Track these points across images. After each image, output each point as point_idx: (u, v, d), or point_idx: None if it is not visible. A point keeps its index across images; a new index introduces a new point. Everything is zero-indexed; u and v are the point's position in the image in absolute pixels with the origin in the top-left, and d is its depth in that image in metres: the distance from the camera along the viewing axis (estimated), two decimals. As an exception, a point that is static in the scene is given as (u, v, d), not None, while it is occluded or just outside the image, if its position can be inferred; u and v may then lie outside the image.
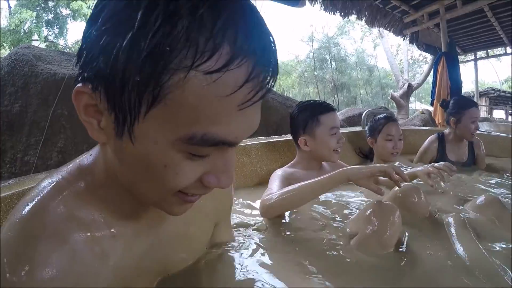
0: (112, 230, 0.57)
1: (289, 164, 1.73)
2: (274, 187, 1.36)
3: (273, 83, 0.44)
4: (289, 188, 1.22)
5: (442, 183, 1.51)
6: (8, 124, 2.62)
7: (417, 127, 3.86)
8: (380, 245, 0.99)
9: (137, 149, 0.45)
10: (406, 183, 1.27)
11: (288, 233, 1.11)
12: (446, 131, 2.46)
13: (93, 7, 0.45)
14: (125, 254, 0.59)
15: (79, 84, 0.45)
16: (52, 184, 0.55)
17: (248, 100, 0.41)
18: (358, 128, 2.95)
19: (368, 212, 1.04)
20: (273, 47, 0.44)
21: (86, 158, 0.59)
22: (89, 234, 0.54)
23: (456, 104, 2.39)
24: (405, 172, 1.63)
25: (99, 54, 0.41)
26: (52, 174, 0.58)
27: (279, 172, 1.57)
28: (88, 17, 0.45)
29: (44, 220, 0.51)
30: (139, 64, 0.38)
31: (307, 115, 1.64)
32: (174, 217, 0.63)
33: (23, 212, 0.51)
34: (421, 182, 1.55)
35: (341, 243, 1.04)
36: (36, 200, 0.53)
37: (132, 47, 0.38)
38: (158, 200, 0.53)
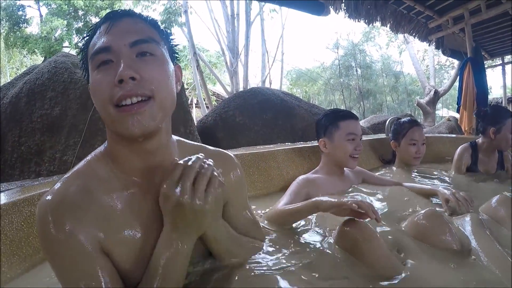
0: (125, 184, 0.82)
1: (314, 170, 1.81)
2: (284, 199, 1.48)
3: (116, 19, 0.80)
4: (279, 210, 1.31)
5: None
6: (48, 126, 2.79)
7: (442, 135, 3.82)
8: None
9: (90, 84, 0.79)
10: (429, 209, 1.23)
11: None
12: (479, 140, 2.37)
13: None
14: (133, 207, 0.81)
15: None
16: (88, 158, 0.87)
17: (105, 30, 0.79)
18: (382, 135, 2.97)
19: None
20: (114, 11, 0.83)
21: (107, 141, 0.88)
22: (107, 186, 0.81)
23: (496, 113, 2.30)
24: (424, 188, 1.67)
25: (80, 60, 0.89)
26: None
27: (299, 181, 1.65)
28: None
29: (76, 176, 0.80)
30: (82, 52, 0.86)
31: (329, 120, 1.75)
32: None
33: (67, 175, 0.82)
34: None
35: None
36: (76, 168, 0.84)
37: (82, 48, 0.86)
38: (108, 119, 0.76)
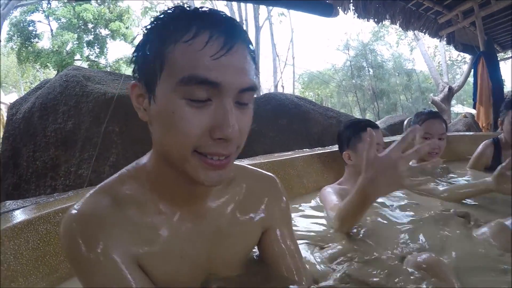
0: (160, 208, 0.74)
1: (338, 181, 1.78)
2: (333, 202, 1.47)
3: (233, 42, 0.62)
4: (337, 214, 1.25)
5: None
6: (61, 140, 2.80)
7: (462, 133, 3.73)
8: None
9: (158, 106, 0.64)
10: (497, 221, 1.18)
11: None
12: (502, 136, 2.28)
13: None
14: (170, 233, 0.74)
15: (133, 81, 0.69)
16: (118, 174, 0.76)
17: (216, 52, 0.60)
18: (400, 137, 2.88)
19: None
20: (227, 22, 0.64)
21: (143, 157, 0.78)
22: (141, 207, 0.72)
23: (503, 105, 2.26)
24: (473, 183, 1.59)
25: (137, 58, 0.67)
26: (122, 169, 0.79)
27: (328, 189, 1.62)
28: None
29: (106, 192, 0.72)
30: (152, 49, 0.64)
31: (351, 132, 1.74)
32: (218, 213, 0.80)
33: (94, 189, 0.73)
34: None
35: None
36: (105, 183, 0.75)
37: (147, 42, 0.65)
38: (182, 161, 0.64)
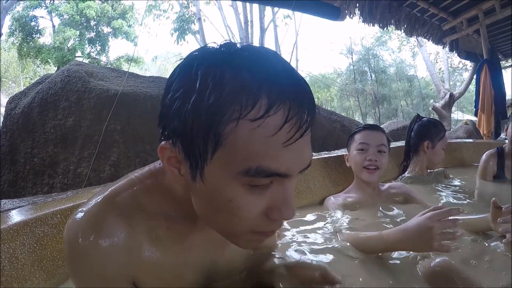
0: (169, 222, 0.69)
1: (346, 189, 1.77)
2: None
3: (311, 122, 0.54)
4: (361, 241, 1.15)
5: None
6: (61, 137, 2.75)
7: (466, 140, 3.70)
8: None
9: (208, 188, 0.55)
10: None
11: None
12: (505, 146, 2.26)
13: (167, 81, 0.57)
14: (176, 245, 0.70)
15: (162, 142, 0.57)
16: (127, 180, 0.70)
17: (291, 138, 0.51)
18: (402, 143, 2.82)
19: None
20: (305, 91, 0.53)
21: (157, 164, 0.72)
22: (149, 221, 0.67)
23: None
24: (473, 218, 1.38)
25: (173, 116, 0.53)
26: (129, 174, 0.72)
27: (332, 199, 1.65)
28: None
29: (115, 203, 0.65)
30: (201, 121, 0.50)
31: (350, 134, 1.78)
32: None
33: (102, 196, 0.66)
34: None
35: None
36: (113, 189, 0.68)
37: (195, 109, 0.50)
38: (230, 236, 0.62)
